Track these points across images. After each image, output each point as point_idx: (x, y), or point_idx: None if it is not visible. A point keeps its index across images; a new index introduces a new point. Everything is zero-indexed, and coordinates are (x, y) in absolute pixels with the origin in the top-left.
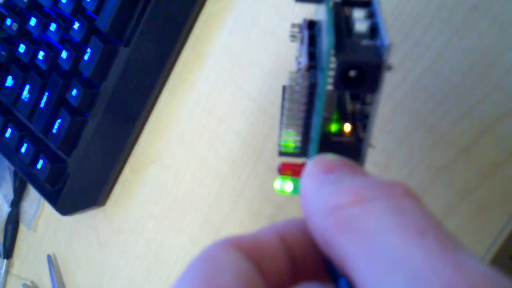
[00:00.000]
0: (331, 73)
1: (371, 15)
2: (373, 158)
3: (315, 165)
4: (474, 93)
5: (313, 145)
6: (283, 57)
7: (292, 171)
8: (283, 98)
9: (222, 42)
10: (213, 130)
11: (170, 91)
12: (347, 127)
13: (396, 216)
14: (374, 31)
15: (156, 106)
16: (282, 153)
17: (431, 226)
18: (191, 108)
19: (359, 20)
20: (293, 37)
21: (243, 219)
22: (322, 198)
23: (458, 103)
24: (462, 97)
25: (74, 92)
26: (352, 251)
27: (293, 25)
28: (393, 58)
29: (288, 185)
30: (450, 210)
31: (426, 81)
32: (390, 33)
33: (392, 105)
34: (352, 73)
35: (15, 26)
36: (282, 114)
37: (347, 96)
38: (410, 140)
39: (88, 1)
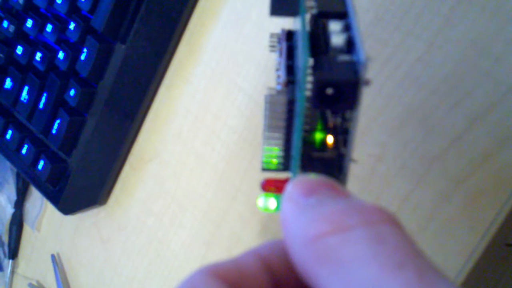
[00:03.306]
0: (308, 86)
1: (348, 27)
2: (367, 149)
3: (295, 187)
4: (465, 82)
5: (294, 163)
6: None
7: (275, 187)
8: (264, 114)
9: (216, 37)
10: (210, 126)
11: (167, 88)
12: (330, 139)
13: (374, 246)
14: (350, 44)
15: (153, 103)
16: (265, 169)
17: (410, 256)
18: (188, 104)
19: (335, 33)
20: (272, 47)
21: (242, 213)
22: (301, 226)
23: (450, 93)
24: (454, 86)
25: (72, 92)
26: (331, 284)
27: (271, 35)
28: (384, 50)
29: (271, 203)
30: (444, 198)
31: (417, 71)
32: (380, 24)
33: (384, 96)
34: (329, 90)
35: (12, 28)
36: (263, 129)
37: (327, 110)
38: (403, 131)
39: (83, 1)
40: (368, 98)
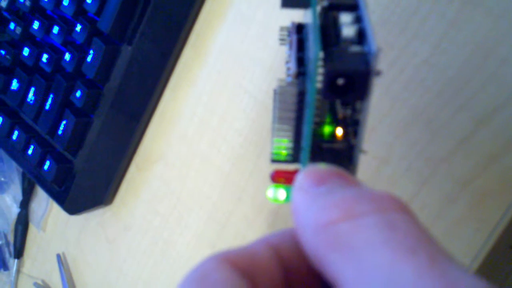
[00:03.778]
0: (319, 78)
1: (359, 19)
2: (373, 151)
3: (306, 177)
4: (470, 85)
5: (304, 154)
6: (282, 53)
7: (285, 178)
8: (274, 106)
9: (222, 39)
10: (215, 128)
11: (172, 90)
12: (339, 131)
13: (386, 232)
14: (361, 35)
15: (159, 105)
16: (274, 161)
17: (422, 242)
18: (194, 106)
19: (346, 24)
20: (282, 40)
21: (247, 214)
22: (312, 214)
23: (455, 95)
24: (459, 89)
25: (78, 93)
26: (343, 269)
27: (281, 29)
28: (390, 52)
29: (281, 194)
30: (449, 200)
31: (423, 74)
32: (386, 27)
33: (390, 99)
34: (340, 81)
35: (18, 30)
36: (273, 121)
37: (337, 102)
38: (409, 133)
39: (90, 3)
40: (373, 100)
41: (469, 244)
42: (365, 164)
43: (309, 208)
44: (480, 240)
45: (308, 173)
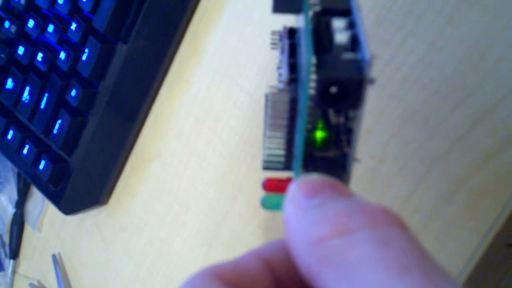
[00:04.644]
0: (312, 84)
1: (352, 25)
2: (369, 150)
3: (298, 188)
4: (467, 83)
5: (296, 162)
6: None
7: (277, 187)
8: (265, 113)
9: (218, 38)
10: (211, 127)
11: (168, 88)
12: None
13: (379, 249)
14: (355, 42)
15: (155, 104)
16: (266, 169)
17: (416, 259)
18: (189, 104)
19: (339, 30)
20: (273, 45)
21: (243, 213)
22: (304, 228)
23: (452, 93)
24: (455, 87)
25: (73, 92)
26: (335, 286)
27: (273, 33)
28: (386, 50)
29: (273, 202)
30: (446, 199)
31: (419, 72)
32: (383, 25)
33: (386, 97)
34: (333, 89)
35: (13, 29)
36: (264, 128)
37: (330, 109)
38: (405, 131)
39: (85, 2)
40: (369, 99)
41: (466, 243)
42: (361, 163)
43: (301, 221)
44: (476, 239)
45: (300, 184)
